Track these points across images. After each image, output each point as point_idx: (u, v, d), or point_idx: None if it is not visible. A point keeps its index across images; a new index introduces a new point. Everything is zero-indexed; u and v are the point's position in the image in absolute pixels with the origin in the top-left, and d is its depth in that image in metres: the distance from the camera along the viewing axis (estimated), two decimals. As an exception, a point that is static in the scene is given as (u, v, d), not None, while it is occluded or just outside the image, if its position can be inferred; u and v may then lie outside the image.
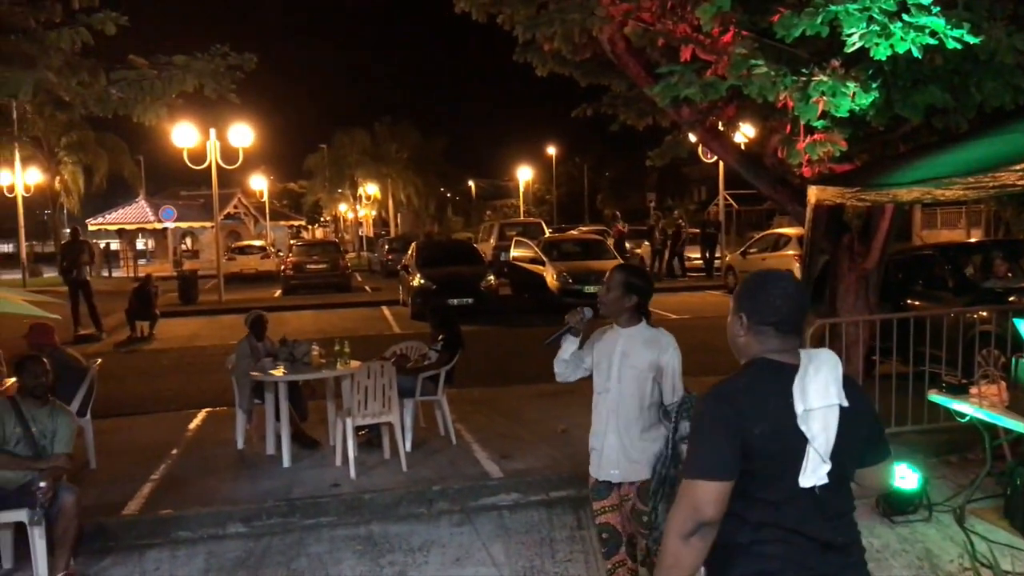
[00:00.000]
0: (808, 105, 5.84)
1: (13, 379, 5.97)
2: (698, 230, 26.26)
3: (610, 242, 23.47)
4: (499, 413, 8.28)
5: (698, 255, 25.04)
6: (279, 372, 6.99)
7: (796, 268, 16.24)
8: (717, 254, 24.58)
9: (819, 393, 2.14)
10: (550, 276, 18.02)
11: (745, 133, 8.50)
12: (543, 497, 6.10)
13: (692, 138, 8.95)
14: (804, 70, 5.84)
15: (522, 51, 8.31)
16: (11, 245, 41.38)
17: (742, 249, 21.19)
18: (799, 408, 2.12)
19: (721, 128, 7.78)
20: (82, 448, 6.65)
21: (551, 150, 55.98)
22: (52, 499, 4.80)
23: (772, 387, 2.17)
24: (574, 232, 30.08)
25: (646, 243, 26.61)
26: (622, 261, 19.10)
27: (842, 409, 2.15)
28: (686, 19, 6.37)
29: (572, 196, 61.11)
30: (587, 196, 59.77)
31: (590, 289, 17.54)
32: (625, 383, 3.66)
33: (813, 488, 2.12)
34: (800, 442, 2.12)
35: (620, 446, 3.65)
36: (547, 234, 26.06)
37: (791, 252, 17.61)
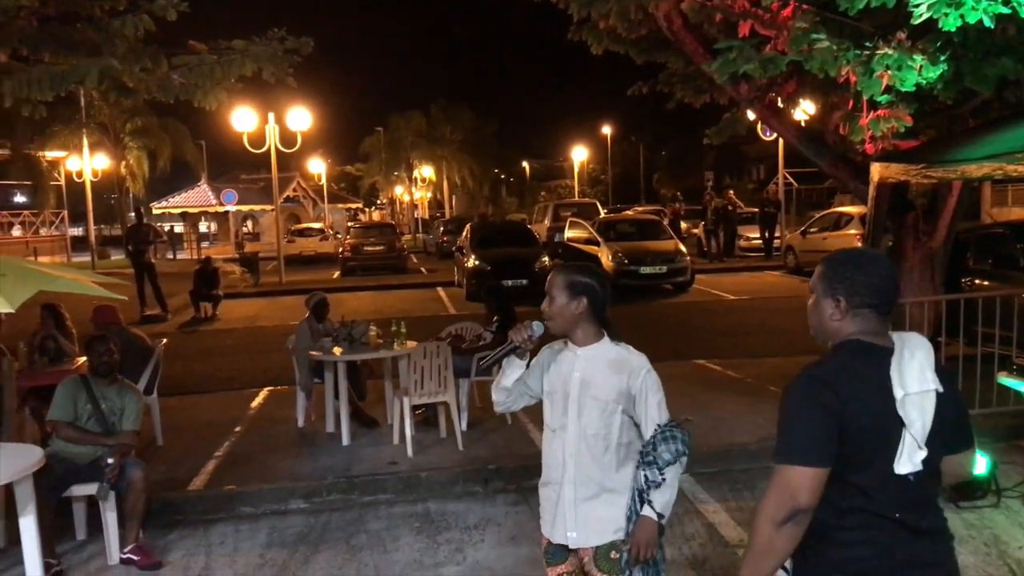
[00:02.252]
0: (872, 80, 5.68)
1: (85, 358, 6.18)
2: (756, 209, 25.83)
3: (666, 222, 23.24)
4: (554, 394, 8.26)
5: (756, 235, 24.62)
6: (338, 352, 7.10)
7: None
8: (776, 234, 24.16)
9: (915, 378, 2.08)
10: (605, 257, 17.93)
11: (805, 110, 8.32)
12: (598, 478, 6.10)
13: (751, 115, 8.78)
14: (868, 43, 5.68)
15: (577, 29, 8.24)
16: (81, 228, 42.64)
17: (802, 228, 20.79)
18: (898, 393, 2.06)
19: (781, 105, 7.62)
20: (149, 425, 6.86)
21: (606, 130, 55.53)
22: (120, 474, 4.97)
23: (868, 369, 2.10)
24: (629, 212, 29.86)
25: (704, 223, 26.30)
26: (678, 242, 18.95)
27: (936, 394, 2.09)
28: (744, -7, 6.24)
29: (628, 176, 60.57)
30: (643, 176, 59.19)
31: (646, 270, 17.46)
32: (587, 419, 2.86)
33: (906, 475, 2.05)
34: (895, 427, 2.06)
35: (580, 500, 2.86)
36: (602, 215, 25.92)
37: (853, 231, 17.22)
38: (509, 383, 3.00)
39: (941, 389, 2.10)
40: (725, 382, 8.68)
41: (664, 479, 2.76)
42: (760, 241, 24.38)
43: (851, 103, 6.38)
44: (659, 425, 2.81)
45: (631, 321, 14.27)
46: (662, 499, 2.77)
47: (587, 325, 2.88)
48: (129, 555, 4.97)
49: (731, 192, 26.19)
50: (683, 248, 18.48)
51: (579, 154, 51.81)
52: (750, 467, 6.20)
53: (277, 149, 22.25)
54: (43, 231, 39.22)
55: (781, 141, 22.09)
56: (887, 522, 2.06)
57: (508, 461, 6.29)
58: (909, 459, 2.05)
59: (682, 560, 4.77)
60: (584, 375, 2.87)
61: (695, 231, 26.91)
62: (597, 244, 18.57)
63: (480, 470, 6.18)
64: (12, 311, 3.81)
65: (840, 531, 2.08)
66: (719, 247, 23.75)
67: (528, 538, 5.16)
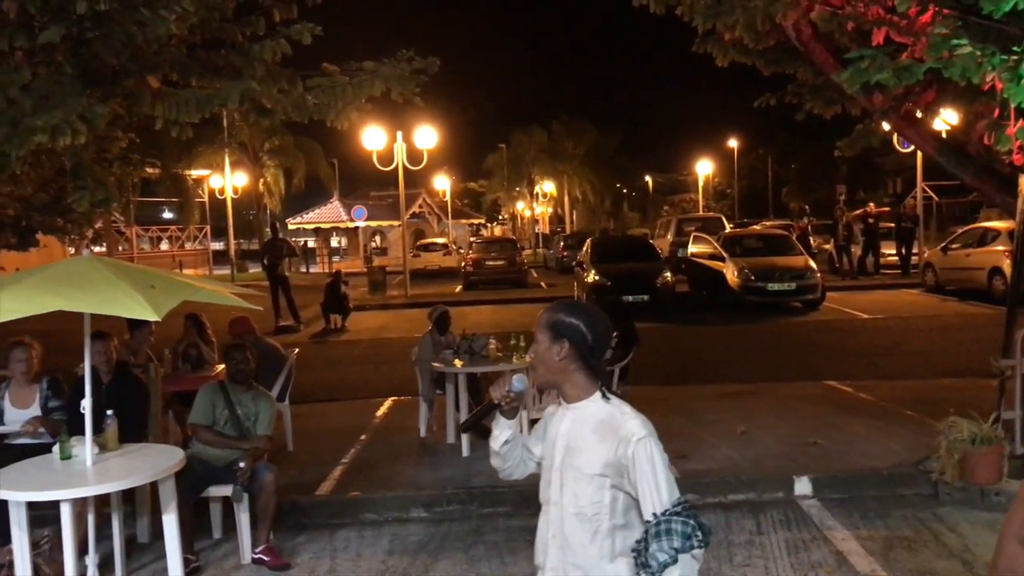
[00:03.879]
0: (1020, 86, 5.33)
1: (223, 366, 6.52)
2: (892, 224, 24.65)
3: (794, 236, 22.49)
4: (676, 412, 8.13)
5: (892, 251, 23.49)
6: (459, 364, 7.22)
7: (1006, 265, 14.90)
8: (915, 250, 22.98)
9: None
10: (730, 273, 17.51)
11: (946, 119, 7.89)
12: (720, 500, 5.94)
13: (885, 126, 8.40)
14: (1016, 48, 5.34)
15: (702, 41, 8.10)
16: (222, 243, 45.13)
17: (943, 244, 19.68)
18: None
19: (918, 115, 7.26)
20: (281, 431, 7.15)
21: (732, 142, 54.34)
22: (252, 477, 5.21)
23: None
24: (756, 227, 29.08)
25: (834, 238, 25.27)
26: (808, 257, 18.29)
27: None
28: (879, 0, 6.00)
29: (755, 190, 59.02)
30: (771, 189, 57.53)
31: (773, 287, 16.93)
32: (570, 495, 2.33)
33: None
34: None
35: None
36: (727, 229, 25.36)
37: (1000, 248, 16.17)
38: (497, 446, 2.51)
39: None
40: (857, 405, 8.30)
41: None
42: (897, 257, 23.27)
43: (997, 111, 6.01)
44: (655, 514, 2.23)
45: (757, 340, 13.86)
46: None
47: (577, 376, 2.37)
48: (260, 555, 5.19)
49: (872, 204, 24.91)
50: (813, 264, 17.83)
51: (704, 167, 50.92)
52: (882, 494, 5.91)
53: (404, 167, 22.92)
54: (188, 245, 41.71)
55: (919, 153, 21.03)
56: None
57: (627, 478, 6.22)
58: None
59: (808, 588, 4.58)
60: (568, 440, 2.37)
61: (826, 247, 25.92)
62: (722, 260, 18.17)
63: (598, 486, 6.13)
64: (159, 320, 4.06)
65: None
66: (851, 263, 22.77)
67: (646, 558, 5.07)
